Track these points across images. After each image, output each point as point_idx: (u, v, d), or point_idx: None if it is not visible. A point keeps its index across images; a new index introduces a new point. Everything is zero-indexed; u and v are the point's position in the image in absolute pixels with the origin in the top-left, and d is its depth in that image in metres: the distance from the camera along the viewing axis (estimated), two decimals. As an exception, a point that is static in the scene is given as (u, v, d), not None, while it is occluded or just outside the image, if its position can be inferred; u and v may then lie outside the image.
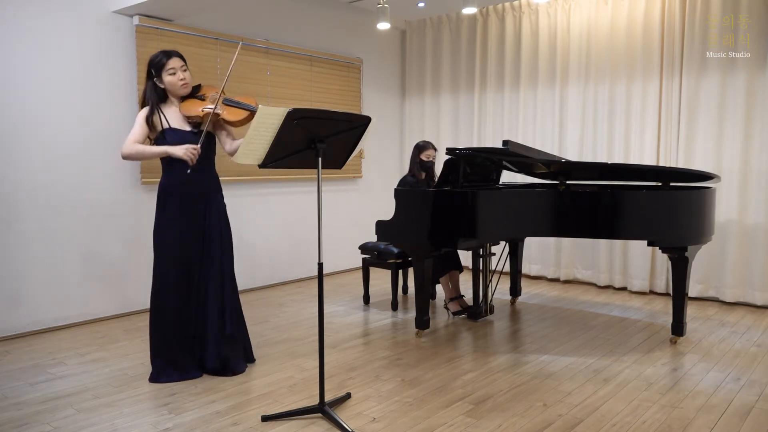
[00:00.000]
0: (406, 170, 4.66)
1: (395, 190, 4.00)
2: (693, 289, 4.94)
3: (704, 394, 3.02)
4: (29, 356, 3.59)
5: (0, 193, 3.89)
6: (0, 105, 3.87)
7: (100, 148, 4.33)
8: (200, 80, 4.76)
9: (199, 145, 3.03)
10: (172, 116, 3.14)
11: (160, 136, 3.11)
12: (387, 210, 4.23)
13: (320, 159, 2.70)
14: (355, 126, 2.79)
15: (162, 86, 3.12)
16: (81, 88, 4.22)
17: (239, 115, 3.12)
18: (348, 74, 6.17)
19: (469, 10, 4.88)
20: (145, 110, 3.11)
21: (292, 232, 5.72)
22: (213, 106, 3.08)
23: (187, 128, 3.14)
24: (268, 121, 2.51)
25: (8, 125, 3.91)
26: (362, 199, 6.42)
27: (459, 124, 6.43)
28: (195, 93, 3.22)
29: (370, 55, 6.44)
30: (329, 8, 5.95)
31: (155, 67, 3.10)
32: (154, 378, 3.17)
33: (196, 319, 3.20)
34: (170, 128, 3.11)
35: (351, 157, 2.96)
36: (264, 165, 2.67)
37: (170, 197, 3.13)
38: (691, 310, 4.59)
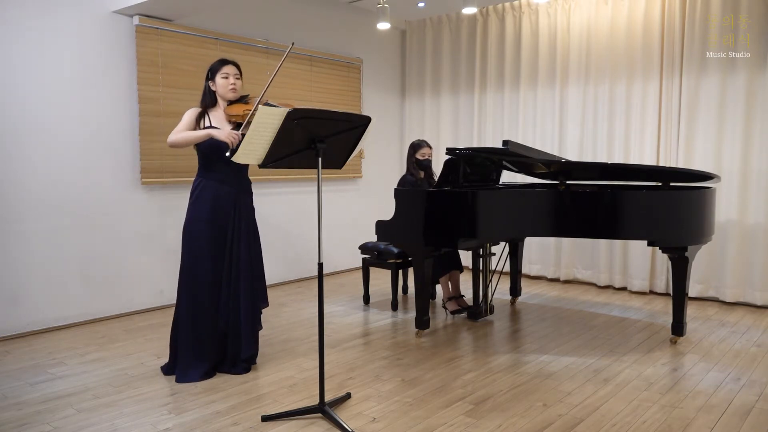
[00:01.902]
0: (405, 170, 4.66)
1: (395, 190, 4.00)
2: (693, 289, 4.94)
3: (704, 394, 3.02)
4: (29, 356, 3.60)
5: (0, 193, 3.89)
6: (0, 105, 3.87)
7: (100, 148, 4.34)
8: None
9: (239, 132, 3.10)
10: (216, 117, 3.28)
11: None
12: (387, 210, 4.23)
13: (320, 159, 2.70)
14: (355, 126, 2.80)
15: (214, 89, 3.28)
16: (81, 88, 4.22)
17: None
18: (348, 74, 6.17)
19: (469, 10, 4.88)
20: (194, 110, 3.27)
21: (293, 232, 5.72)
22: (253, 108, 3.16)
23: (228, 128, 3.21)
24: (268, 121, 2.51)
25: (8, 125, 3.91)
26: (362, 199, 6.42)
27: (459, 124, 6.43)
28: (242, 101, 3.34)
29: (370, 55, 6.44)
30: (329, 8, 5.95)
31: (212, 70, 3.29)
32: (181, 377, 3.19)
33: (227, 319, 3.24)
34: (210, 126, 3.23)
35: (351, 157, 2.96)
36: (264, 165, 2.68)
37: (203, 195, 3.22)
38: (691, 310, 4.59)
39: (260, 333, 3.99)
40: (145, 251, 4.62)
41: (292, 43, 3.19)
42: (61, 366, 3.42)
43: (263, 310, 3.42)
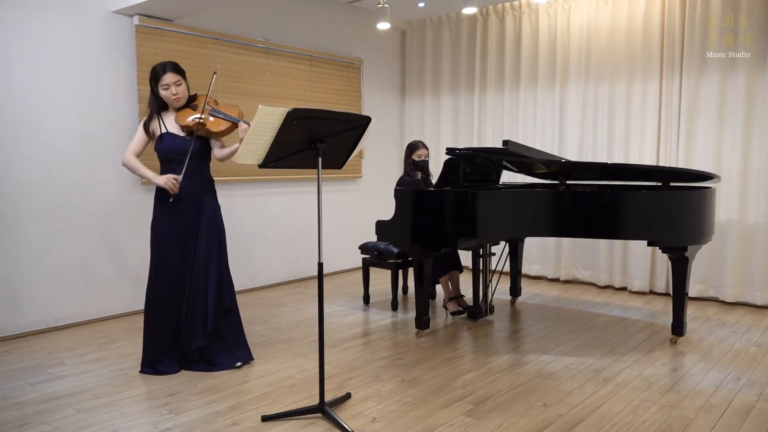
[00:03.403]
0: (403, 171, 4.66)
1: (395, 190, 4.00)
2: (693, 289, 4.94)
3: (704, 394, 3.02)
4: (29, 356, 3.59)
5: (0, 193, 3.89)
6: (0, 105, 3.87)
7: (101, 148, 4.33)
8: (200, 79, 4.77)
9: (181, 175, 3.20)
10: (170, 122, 3.31)
11: (158, 140, 3.29)
12: (387, 210, 4.23)
13: (320, 159, 2.70)
14: (355, 126, 2.80)
15: (161, 96, 3.28)
16: (81, 88, 4.22)
17: (222, 125, 3.25)
18: (348, 74, 6.17)
19: (469, 10, 4.88)
20: (144, 119, 3.32)
21: (293, 232, 5.72)
22: (199, 116, 3.22)
23: (181, 134, 3.29)
24: (268, 121, 2.51)
25: (8, 125, 3.90)
26: (362, 199, 6.42)
27: (459, 124, 6.43)
28: (190, 102, 3.35)
29: (370, 55, 6.44)
30: (329, 8, 5.95)
31: (153, 79, 3.26)
32: (141, 368, 3.32)
33: (182, 316, 3.29)
34: (168, 133, 3.28)
35: (351, 157, 2.97)
36: (264, 165, 2.68)
37: (164, 197, 3.27)
38: (691, 310, 4.59)
39: (260, 333, 4.01)
40: (144, 251, 4.59)
41: (214, 73, 3.34)
42: (61, 366, 3.42)
43: (244, 312, 3.45)
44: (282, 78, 5.50)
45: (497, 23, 6.08)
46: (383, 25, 5.30)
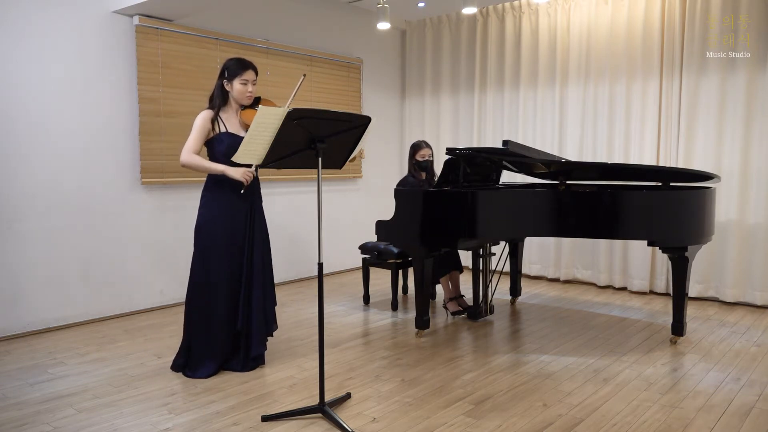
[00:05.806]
0: (405, 170, 4.67)
1: (395, 190, 4.00)
2: (693, 289, 4.94)
3: (704, 394, 3.02)
4: (29, 356, 3.59)
5: (0, 193, 3.89)
6: (0, 105, 3.87)
7: (101, 148, 4.33)
8: (200, 80, 4.78)
9: (254, 169, 3.14)
10: (231, 123, 3.25)
11: (215, 138, 3.21)
12: (387, 210, 4.23)
13: (320, 159, 2.70)
14: (355, 126, 2.80)
15: (228, 89, 3.23)
16: (81, 88, 4.22)
17: None
18: (348, 74, 6.17)
19: (469, 10, 4.88)
20: (207, 115, 3.20)
21: (292, 232, 5.72)
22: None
23: (242, 134, 3.20)
24: (268, 121, 2.51)
25: (8, 125, 3.90)
26: (362, 199, 6.42)
27: (459, 124, 6.43)
28: (255, 105, 3.31)
29: (370, 55, 6.44)
30: (329, 8, 5.95)
31: (230, 71, 3.21)
32: (182, 371, 3.27)
33: (242, 320, 3.26)
34: (226, 132, 3.21)
35: (351, 157, 2.97)
36: (264, 165, 2.68)
37: (217, 198, 3.22)
38: (691, 310, 4.59)
39: (260, 333, 4.01)
40: (145, 251, 4.61)
41: (304, 75, 3.24)
42: (61, 366, 3.42)
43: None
44: (282, 78, 5.50)
45: (497, 23, 6.08)
46: (383, 25, 5.30)
